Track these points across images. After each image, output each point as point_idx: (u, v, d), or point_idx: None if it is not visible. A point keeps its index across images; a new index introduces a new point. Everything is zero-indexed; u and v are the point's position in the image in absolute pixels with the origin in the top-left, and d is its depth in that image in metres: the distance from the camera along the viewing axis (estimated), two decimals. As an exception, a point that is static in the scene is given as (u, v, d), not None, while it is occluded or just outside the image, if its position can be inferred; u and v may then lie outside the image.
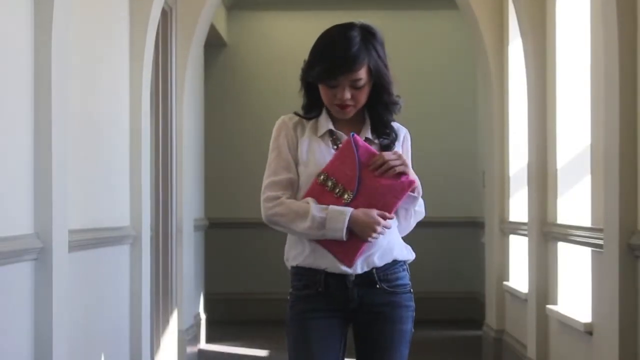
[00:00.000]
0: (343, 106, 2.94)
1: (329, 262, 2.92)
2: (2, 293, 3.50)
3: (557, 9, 5.61)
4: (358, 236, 2.86)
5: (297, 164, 2.97)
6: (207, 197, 8.91)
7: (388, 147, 3.01)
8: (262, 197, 2.95)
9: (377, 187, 2.88)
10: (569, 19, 5.52)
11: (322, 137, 3.00)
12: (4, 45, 3.54)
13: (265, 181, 2.97)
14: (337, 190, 2.88)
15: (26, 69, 3.73)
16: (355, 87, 2.93)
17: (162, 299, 6.55)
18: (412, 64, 9.39)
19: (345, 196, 2.87)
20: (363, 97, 2.96)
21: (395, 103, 3.04)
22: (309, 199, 2.89)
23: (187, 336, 7.02)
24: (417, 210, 3.04)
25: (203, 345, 7.93)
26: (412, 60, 9.43)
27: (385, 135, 3.03)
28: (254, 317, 9.33)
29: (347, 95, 2.92)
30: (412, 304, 3.04)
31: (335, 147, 2.97)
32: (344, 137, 2.99)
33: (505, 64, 6.97)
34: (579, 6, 5.35)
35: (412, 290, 3.06)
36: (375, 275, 2.95)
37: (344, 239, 2.85)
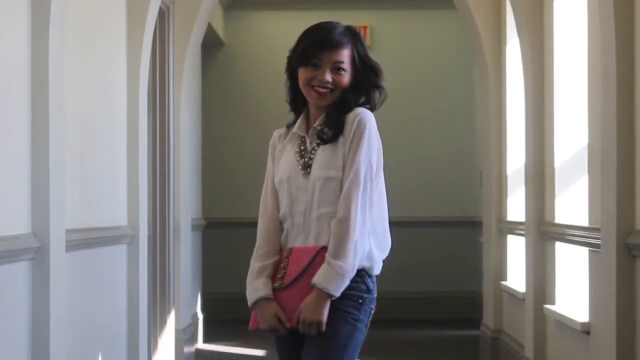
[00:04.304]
0: (322, 92, 2.95)
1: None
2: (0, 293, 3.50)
3: (554, 9, 5.61)
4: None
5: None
6: (205, 196, 8.90)
7: (327, 142, 2.97)
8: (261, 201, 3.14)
9: (300, 297, 2.92)
10: (567, 18, 5.52)
11: (295, 139, 3.05)
12: (1, 46, 3.53)
13: (262, 191, 3.14)
14: (282, 271, 2.97)
15: (23, 68, 3.73)
16: (337, 70, 2.95)
17: (160, 299, 6.54)
18: (410, 64, 9.38)
19: (277, 283, 2.97)
20: (342, 83, 2.96)
21: (381, 87, 3.02)
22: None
23: (185, 336, 7.02)
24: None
25: (200, 344, 7.92)
26: (410, 59, 9.43)
27: (326, 131, 2.96)
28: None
29: (328, 77, 2.94)
30: (354, 311, 2.94)
31: (302, 148, 3.01)
32: (307, 141, 3.01)
33: (503, 63, 6.98)
34: (576, 6, 5.35)
35: (361, 300, 2.95)
36: None
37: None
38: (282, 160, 3.05)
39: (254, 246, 3.08)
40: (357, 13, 9.17)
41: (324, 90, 2.95)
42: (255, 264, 3.01)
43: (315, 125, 3.01)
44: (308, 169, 2.98)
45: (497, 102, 7.06)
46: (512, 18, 6.28)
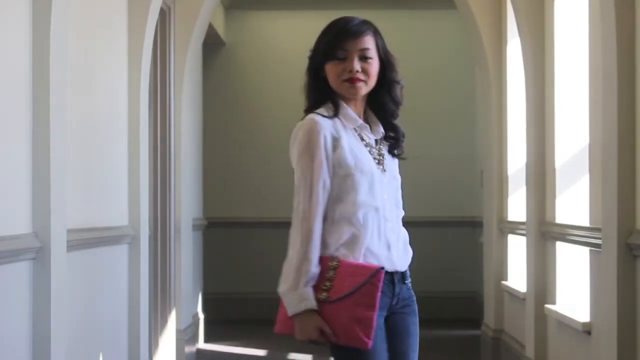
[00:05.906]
0: (353, 80, 2.88)
1: (382, 261, 2.88)
2: (1, 293, 3.50)
3: (555, 8, 5.61)
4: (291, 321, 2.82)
5: (334, 168, 2.85)
6: (206, 196, 8.90)
7: (397, 154, 3.03)
8: (303, 201, 2.82)
9: (349, 315, 2.77)
10: (568, 18, 5.53)
11: (350, 130, 2.91)
12: (2, 44, 3.54)
13: (309, 189, 2.82)
14: (327, 283, 2.80)
15: (24, 68, 3.73)
16: (364, 58, 2.90)
17: (161, 299, 6.54)
18: (411, 64, 9.37)
19: (324, 294, 2.80)
20: (373, 71, 2.92)
21: (399, 82, 3.00)
22: (315, 261, 2.79)
23: (186, 336, 7.02)
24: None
25: (201, 344, 7.93)
26: (411, 59, 9.42)
27: (391, 139, 3.01)
28: (252, 316, 9.32)
29: (357, 66, 2.88)
30: None
31: (364, 142, 2.93)
32: (367, 129, 2.95)
33: (504, 63, 6.98)
34: (577, 5, 5.35)
35: None
36: (408, 272, 3.00)
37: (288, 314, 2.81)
38: (357, 154, 2.87)
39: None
40: (358, 13, 9.11)
41: (356, 78, 2.88)
42: (304, 266, 2.78)
43: (380, 130, 2.98)
44: (382, 166, 2.96)
45: (497, 102, 7.06)
46: (513, 18, 6.28)
